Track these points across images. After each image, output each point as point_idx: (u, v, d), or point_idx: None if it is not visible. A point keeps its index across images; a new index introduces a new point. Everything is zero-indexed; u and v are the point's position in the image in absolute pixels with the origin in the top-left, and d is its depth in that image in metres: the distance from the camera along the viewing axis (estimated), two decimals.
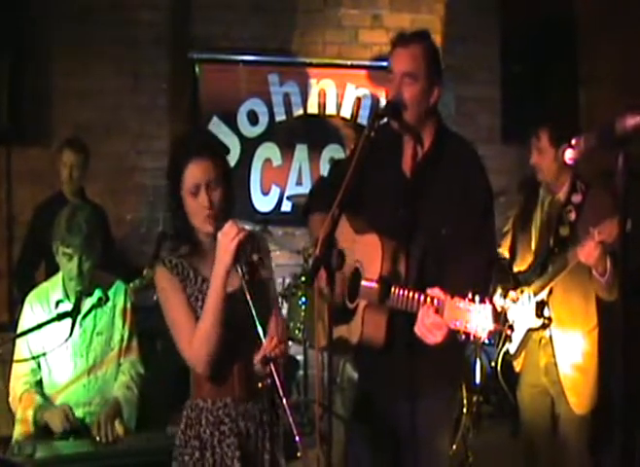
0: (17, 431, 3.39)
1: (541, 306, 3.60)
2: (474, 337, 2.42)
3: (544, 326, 3.61)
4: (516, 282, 3.74)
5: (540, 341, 3.67)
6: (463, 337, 2.44)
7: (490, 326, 2.39)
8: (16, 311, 4.18)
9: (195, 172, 2.53)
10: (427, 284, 2.63)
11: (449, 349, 2.67)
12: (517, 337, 3.71)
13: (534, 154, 3.72)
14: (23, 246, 5.21)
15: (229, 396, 2.61)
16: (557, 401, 3.67)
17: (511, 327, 3.73)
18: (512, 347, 3.74)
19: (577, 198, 3.61)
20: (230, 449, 2.58)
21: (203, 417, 2.61)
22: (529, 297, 3.62)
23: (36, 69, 5.84)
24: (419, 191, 2.82)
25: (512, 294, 3.70)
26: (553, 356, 3.63)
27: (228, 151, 2.87)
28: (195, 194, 2.53)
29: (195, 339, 2.52)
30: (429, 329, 2.54)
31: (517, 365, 3.77)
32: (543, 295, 3.60)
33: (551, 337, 3.62)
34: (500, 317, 2.46)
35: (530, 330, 3.66)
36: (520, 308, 3.65)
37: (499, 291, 3.80)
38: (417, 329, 2.58)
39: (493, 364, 3.86)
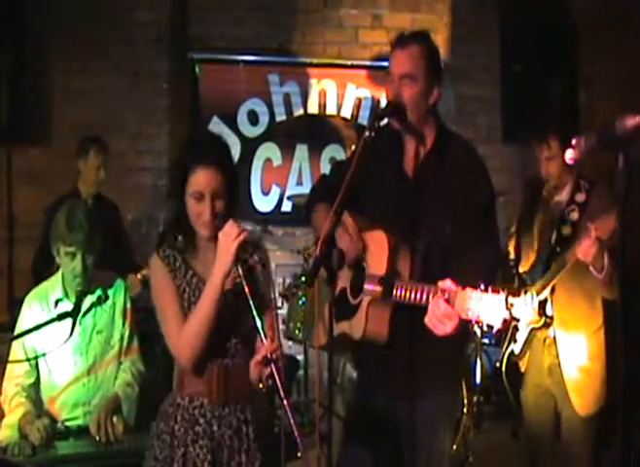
0: (3, 434, 3.35)
1: (542, 305, 3.60)
2: (487, 326, 2.41)
3: (546, 325, 3.61)
4: (521, 282, 3.74)
5: (544, 341, 3.66)
6: (475, 326, 2.43)
7: (505, 314, 2.38)
8: (15, 312, 4.17)
9: (200, 180, 2.51)
10: (432, 282, 2.62)
11: (450, 348, 2.67)
12: (522, 336, 3.71)
13: (545, 163, 3.68)
14: (40, 245, 5.17)
15: (205, 396, 2.60)
16: (561, 402, 3.64)
17: (515, 326, 3.73)
18: (516, 347, 3.74)
19: (580, 198, 3.60)
20: (202, 450, 2.57)
21: (179, 415, 2.61)
22: (532, 296, 3.62)
23: (36, 69, 5.83)
24: (422, 190, 2.82)
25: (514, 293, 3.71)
26: (557, 357, 3.61)
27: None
28: (198, 199, 2.52)
29: (185, 331, 2.51)
30: (440, 319, 2.53)
31: (522, 365, 3.76)
32: (545, 294, 3.60)
33: (554, 337, 3.61)
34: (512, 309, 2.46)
35: (533, 329, 3.66)
36: (523, 308, 3.65)
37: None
38: (428, 320, 2.57)
39: (498, 364, 3.84)
